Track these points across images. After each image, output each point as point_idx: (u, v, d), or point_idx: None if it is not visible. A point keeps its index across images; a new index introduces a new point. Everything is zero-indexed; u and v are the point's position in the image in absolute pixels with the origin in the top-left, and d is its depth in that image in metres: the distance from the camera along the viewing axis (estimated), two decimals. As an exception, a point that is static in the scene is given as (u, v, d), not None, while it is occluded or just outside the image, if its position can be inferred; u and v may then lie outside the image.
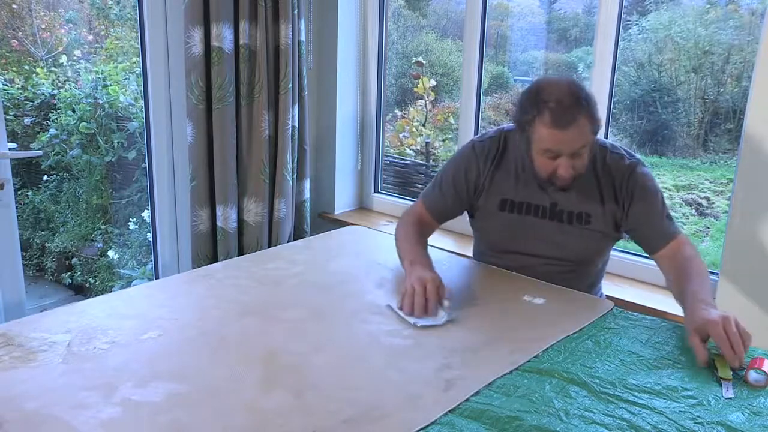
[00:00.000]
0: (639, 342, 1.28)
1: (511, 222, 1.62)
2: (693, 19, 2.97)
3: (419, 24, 3.52)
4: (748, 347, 1.19)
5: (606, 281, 1.80)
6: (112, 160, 3.40)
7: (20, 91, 3.47)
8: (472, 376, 1.13)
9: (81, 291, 3.61)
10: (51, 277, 3.67)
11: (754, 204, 1.75)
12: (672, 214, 1.57)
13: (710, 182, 3.10)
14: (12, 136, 3.34)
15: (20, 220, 2.50)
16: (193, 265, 2.29)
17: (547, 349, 1.24)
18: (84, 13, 3.82)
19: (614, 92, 2.09)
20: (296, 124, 2.39)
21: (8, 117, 3.31)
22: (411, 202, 2.19)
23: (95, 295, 1.60)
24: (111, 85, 3.39)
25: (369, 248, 1.84)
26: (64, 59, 3.55)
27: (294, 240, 2.41)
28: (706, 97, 2.99)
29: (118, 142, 3.35)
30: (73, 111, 3.39)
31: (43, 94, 3.49)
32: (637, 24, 3.01)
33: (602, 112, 2.03)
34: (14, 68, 3.54)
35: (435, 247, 1.77)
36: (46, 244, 3.63)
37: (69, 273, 3.62)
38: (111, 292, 2.15)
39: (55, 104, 3.47)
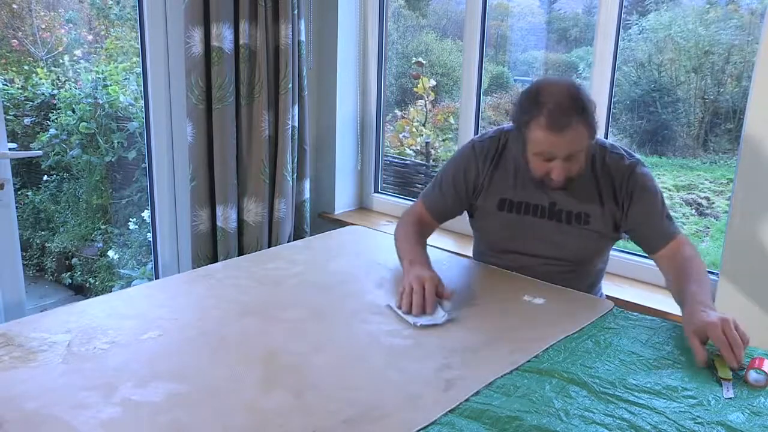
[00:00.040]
0: (639, 342, 1.28)
1: (510, 222, 1.62)
2: (693, 19, 2.97)
3: (419, 24, 3.52)
4: (746, 349, 1.19)
5: (606, 281, 1.80)
6: (112, 160, 3.40)
7: (20, 91, 3.47)
8: (472, 376, 1.13)
9: (81, 291, 3.61)
10: (51, 277, 3.67)
11: (754, 204, 1.75)
12: (672, 214, 1.57)
13: (710, 182, 3.10)
14: (12, 136, 3.34)
15: (20, 220, 2.50)
16: (193, 265, 2.30)
17: (547, 349, 1.24)
18: (84, 13, 3.82)
19: (614, 92, 2.09)
20: (296, 124, 2.39)
21: (8, 117, 3.31)
22: (411, 202, 2.19)
23: (95, 295, 1.60)
24: (111, 85, 3.39)
25: (369, 248, 1.84)
26: (64, 59, 3.55)
27: (294, 240, 2.41)
28: (706, 97, 2.99)
29: (118, 142, 3.35)
30: (73, 111, 3.39)
31: (43, 94, 3.49)
32: (637, 24, 3.00)
33: (602, 112, 2.04)
34: (14, 68, 3.54)
35: (435, 247, 1.77)
36: (46, 244, 3.63)
37: (69, 273, 3.62)
38: (111, 292, 2.15)
39: (55, 104, 3.47)
